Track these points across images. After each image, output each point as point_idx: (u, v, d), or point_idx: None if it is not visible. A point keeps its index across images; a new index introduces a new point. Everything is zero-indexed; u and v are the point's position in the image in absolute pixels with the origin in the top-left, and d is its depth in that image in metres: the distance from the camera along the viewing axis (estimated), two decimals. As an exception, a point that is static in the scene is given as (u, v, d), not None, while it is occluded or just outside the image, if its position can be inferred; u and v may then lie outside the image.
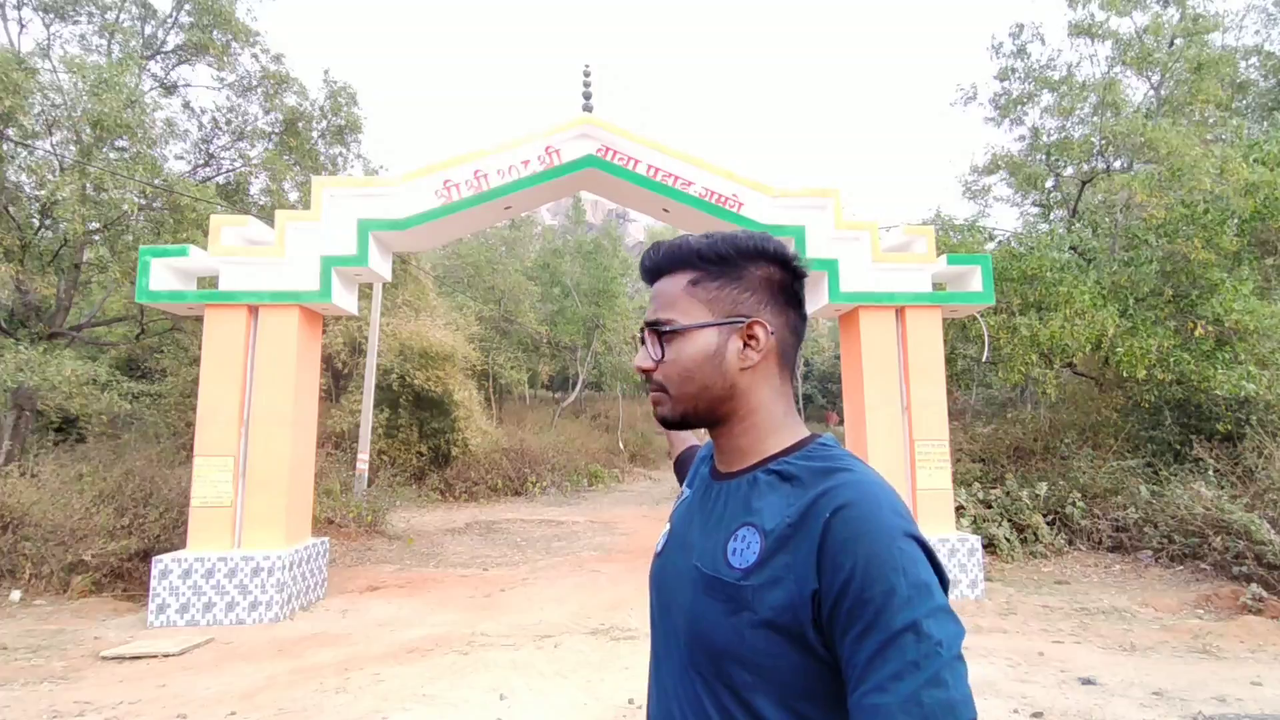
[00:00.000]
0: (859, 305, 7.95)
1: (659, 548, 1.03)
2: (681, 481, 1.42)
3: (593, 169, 8.11)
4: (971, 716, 0.70)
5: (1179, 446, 9.52)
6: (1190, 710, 4.30)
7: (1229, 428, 8.89)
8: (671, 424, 0.97)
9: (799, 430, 0.95)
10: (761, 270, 0.94)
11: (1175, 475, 8.85)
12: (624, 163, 8.08)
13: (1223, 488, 8.11)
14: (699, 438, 1.55)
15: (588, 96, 8.30)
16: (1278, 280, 10.20)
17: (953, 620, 0.74)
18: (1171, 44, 9.72)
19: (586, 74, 8.43)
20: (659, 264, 0.97)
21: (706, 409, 0.94)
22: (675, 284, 0.95)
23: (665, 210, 8.58)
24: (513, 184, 7.95)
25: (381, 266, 8.11)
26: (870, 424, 7.79)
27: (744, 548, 0.85)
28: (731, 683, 0.82)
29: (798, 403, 35.55)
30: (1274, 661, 5.31)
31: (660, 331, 0.93)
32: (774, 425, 0.94)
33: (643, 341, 0.98)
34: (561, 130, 8.03)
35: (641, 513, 15.16)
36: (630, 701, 4.49)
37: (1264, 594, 6.57)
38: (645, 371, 0.96)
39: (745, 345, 0.92)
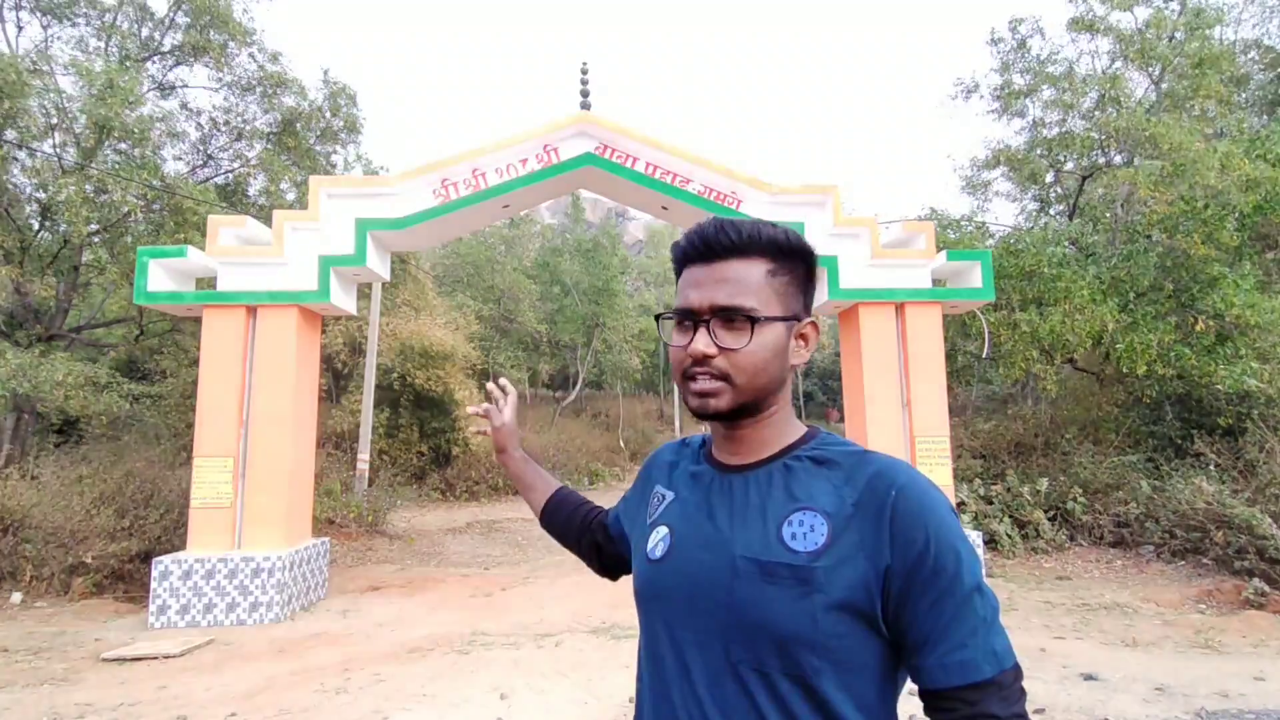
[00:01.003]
0: (858, 302, 7.93)
1: (658, 554, 0.97)
2: (556, 535, 1.41)
3: (591, 167, 8.09)
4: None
5: (1180, 441, 9.51)
6: (1192, 705, 4.29)
7: (1230, 422, 8.87)
8: (721, 416, 0.92)
9: (800, 424, 0.98)
10: (806, 266, 0.96)
11: (1176, 470, 8.84)
12: (622, 160, 8.06)
13: (1224, 482, 8.09)
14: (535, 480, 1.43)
15: (585, 94, 8.28)
16: (1278, 275, 10.18)
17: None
18: (1171, 38, 9.69)
19: (584, 71, 8.41)
20: (739, 244, 0.90)
21: (760, 401, 0.93)
22: (753, 270, 0.91)
23: (664, 208, 8.57)
24: (511, 183, 7.93)
25: (380, 266, 8.10)
26: (870, 420, 7.78)
27: (806, 531, 0.85)
28: (798, 670, 0.82)
29: (809, 401, 35.63)
30: (1276, 656, 5.30)
31: (737, 318, 0.89)
32: (791, 417, 0.98)
33: (684, 324, 0.93)
34: (559, 128, 8.01)
35: (642, 511, 15.14)
36: (631, 700, 4.48)
37: (1266, 589, 6.56)
38: (702, 358, 0.90)
39: (799, 342, 0.95)
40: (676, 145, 8.10)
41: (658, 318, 1.00)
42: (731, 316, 0.89)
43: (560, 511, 1.39)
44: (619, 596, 7.58)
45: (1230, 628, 5.97)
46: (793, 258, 0.93)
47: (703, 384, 0.90)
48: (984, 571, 0.86)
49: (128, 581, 7.68)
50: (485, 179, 7.87)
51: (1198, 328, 8.31)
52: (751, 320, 0.89)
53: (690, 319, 0.92)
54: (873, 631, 0.83)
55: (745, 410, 0.92)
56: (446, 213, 7.81)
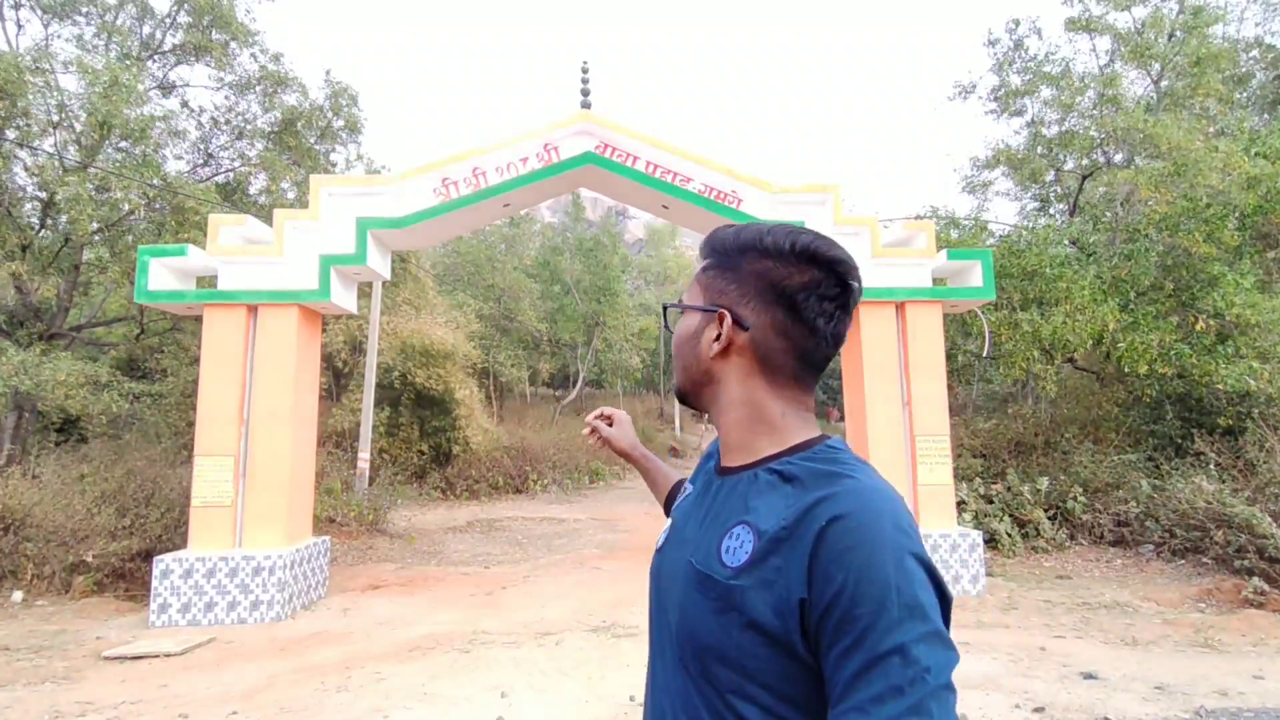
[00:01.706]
0: (859, 301, 7.92)
1: (660, 543, 1.02)
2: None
3: (592, 166, 8.09)
4: None
5: (1180, 440, 9.51)
6: (1192, 704, 4.30)
7: (1230, 421, 8.87)
8: (677, 395, 1.02)
9: (804, 432, 0.92)
10: (754, 264, 0.92)
11: (1177, 469, 8.84)
12: (623, 159, 8.06)
13: (1224, 481, 8.09)
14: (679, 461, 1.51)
15: (586, 93, 8.28)
16: (1279, 274, 10.17)
17: (945, 646, 0.71)
18: (1171, 37, 9.68)
19: (585, 70, 8.40)
20: (702, 249, 1.00)
21: (692, 388, 0.99)
22: (697, 268, 1.00)
23: (665, 207, 8.57)
24: (511, 181, 7.93)
25: (381, 265, 8.10)
26: (871, 420, 7.78)
27: (737, 545, 0.83)
28: (717, 682, 0.81)
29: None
30: (1276, 655, 5.30)
31: (670, 307, 1.02)
32: (768, 424, 0.91)
33: (665, 314, 1.07)
34: (560, 127, 8.01)
35: (643, 510, 15.16)
36: (631, 699, 4.49)
37: (1266, 587, 6.56)
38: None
39: (716, 335, 0.94)
40: (677, 144, 8.10)
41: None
42: (675, 308, 1.02)
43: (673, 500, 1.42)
44: (620, 595, 7.59)
45: (1230, 626, 5.98)
46: (724, 254, 0.96)
47: None
48: (935, 628, 0.71)
49: (128, 580, 7.69)
50: (486, 178, 7.87)
51: (1198, 327, 8.31)
52: (672, 308, 1.01)
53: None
54: (796, 663, 0.76)
55: (682, 395, 1.01)
56: (447, 212, 7.81)
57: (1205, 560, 7.82)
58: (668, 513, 1.36)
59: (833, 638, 0.72)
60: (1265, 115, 11.49)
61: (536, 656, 5.47)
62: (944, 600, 0.76)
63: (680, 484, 1.44)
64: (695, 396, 0.99)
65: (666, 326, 1.03)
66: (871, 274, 7.95)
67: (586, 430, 1.61)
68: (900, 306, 7.97)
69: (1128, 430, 10.17)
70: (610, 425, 1.60)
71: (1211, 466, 8.44)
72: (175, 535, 7.90)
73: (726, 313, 0.92)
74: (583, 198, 25.43)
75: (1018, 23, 10.84)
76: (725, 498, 0.91)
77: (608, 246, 24.07)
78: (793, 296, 0.90)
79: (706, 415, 1.00)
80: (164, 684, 4.85)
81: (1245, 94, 12.34)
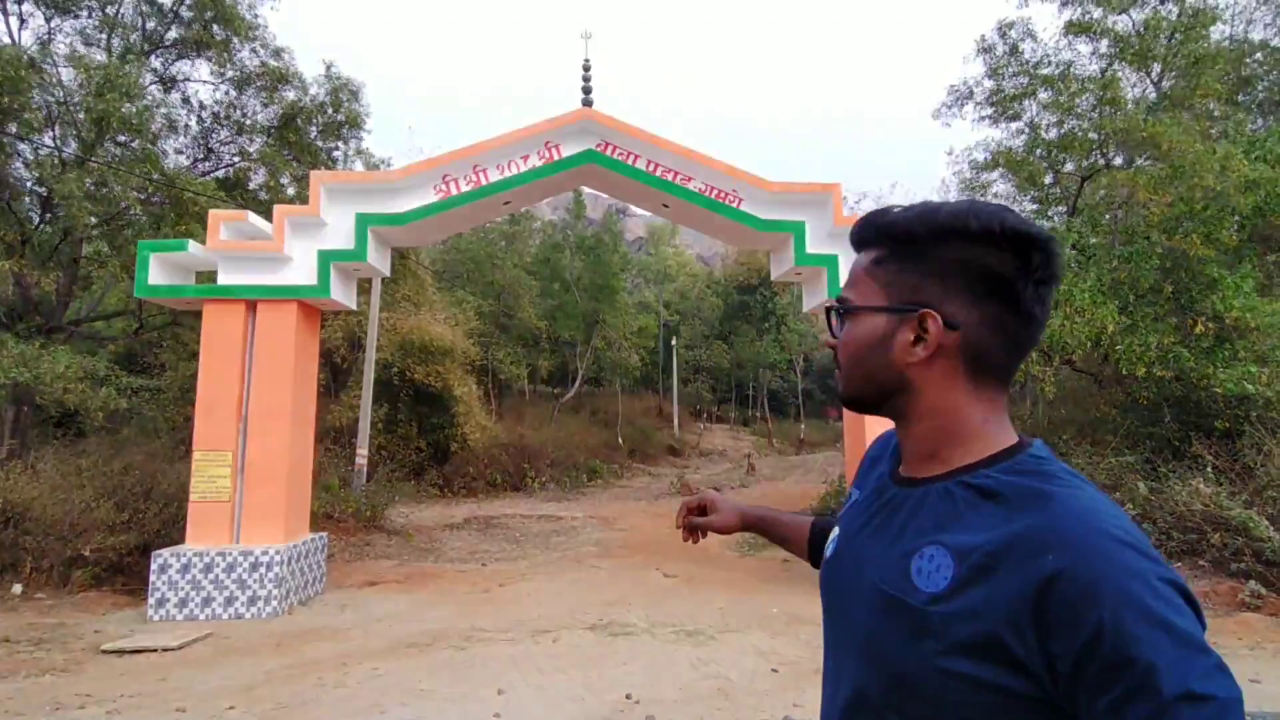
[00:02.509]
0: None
1: (829, 553, 0.95)
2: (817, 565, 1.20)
3: (592, 164, 8.10)
4: None
5: (1178, 443, 9.51)
6: (1187, 706, 4.30)
7: (1228, 424, 8.86)
8: (845, 403, 0.91)
9: (1005, 438, 0.82)
10: (956, 253, 0.80)
11: (1174, 472, 8.83)
12: (624, 158, 8.07)
13: (1221, 485, 8.09)
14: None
15: (587, 91, 8.28)
16: (1279, 277, 10.17)
17: (1229, 678, 0.64)
18: (1171, 38, 9.69)
19: (586, 69, 8.40)
20: (859, 236, 0.89)
21: (875, 398, 0.87)
22: (862, 260, 0.88)
23: (665, 205, 8.57)
24: (512, 179, 7.93)
25: (380, 261, 8.11)
26: (869, 420, 7.79)
27: (932, 569, 0.75)
28: (907, 712, 0.75)
29: (808, 400, 35.63)
30: (1273, 658, 5.32)
31: (834, 309, 0.89)
32: (968, 431, 0.82)
33: (829, 316, 0.92)
34: (561, 125, 8.01)
35: (640, 509, 15.18)
36: (628, 697, 4.50)
37: (1263, 591, 6.58)
38: (831, 346, 0.91)
39: (916, 338, 0.81)
40: (678, 143, 8.10)
41: (828, 314, 0.98)
42: (837, 310, 0.89)
43: (817, 534, 1.25)
44: (617, 594, 7.60)
45: (1226, 630, 5.99)
46: (910, 242, 0.83)
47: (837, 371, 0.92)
48: (1215, 660, 0.64)
49: (126, 574, 7.69)
50: (486, 175, 7.87)
51: (1197, 330, 8.32)
52: (844, 311, 0.88)
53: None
54: (1005, 695, 0.69)
55: (858, 403, 0.89)
56: (447, 209, 7.82)
57: (1202, 563, 7.82)
58: (815, 563, 1.19)
59: (1098, 686, 0.63)
60: (1269, 118, 11.50)
61: (534, 654, 5.48)
62: (1199, 618, 0.66)
63: (818, 528, 1.27)
64: (878, 404, 0.87)
65: (832, 332, 0.89)
66: (871, 274, 7.95)
67: (682, 533, 1.38)
68: (900, 307, 7.97)
69: (1125, 432, 10.17)
70: (706, 513, 1.34)
71: (1209, 469, 8.44)
72: (173, 530, 7.90)
73: (934, 314, 0.80)
74: (584, 195, 25.42)
75: (1011, 25, 10.84)
76: (910, 511, 0.82)
77: (608, 245, 24.07)
78: (1012, 285, 0.79)
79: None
80: (162, 678, 4.85)
81: (1249, 97, 12.34)
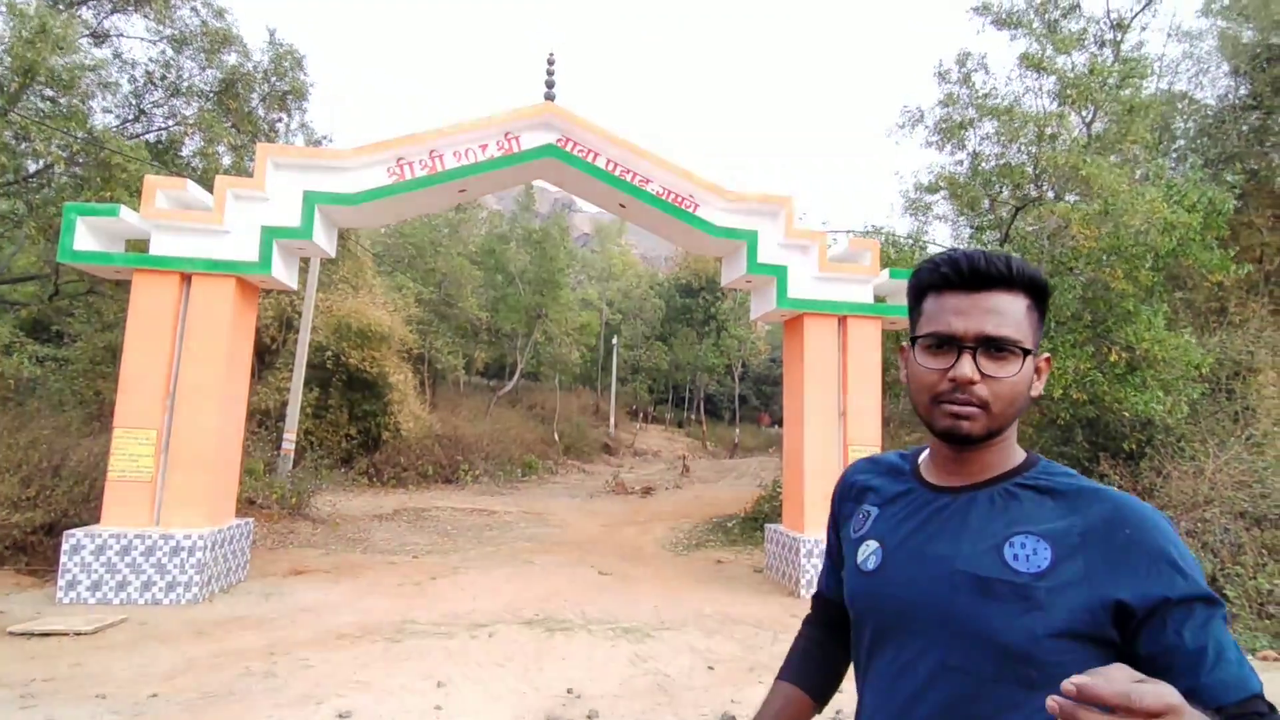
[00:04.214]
0: (804, 313, 8.16)
1: (871, 566, 1.03)
2: (828, 680, 1.21)
3: (552, 159, 8.06)
4: None
5: (1087, 462, 10.13)
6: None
7: (1133, 447, 9.51)
8: (971, 440, 0.95)
9: (1020, 451, 1.01)
10: (1045, 308, 1.00)
11: (1083, 490, 9.41)
12: (584, 155, 8.06)
13: (1124, 503, 8.68)
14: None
15: (550, 85, 8.23)
16: (1185, 313, 10.96)
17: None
18: (1104, 84, 10.32)
19: (550, 62, 8.36)
20: (1007, 277, 0.95)
21: (1004, 428, 0.96)
22: (1016, 305, 0.95)
23: (622, 205, 8.61)
24: (469, 167, 7.82)
25: (326, 241, 7.87)
26: (808, 427, 8.02)
27: (1029, 554, 0.89)
28: (1015, 679, 0.87)
29: (743, 405, 36.21)
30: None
31: (1006, 350, 0.93)
32: (1014, 443, 1.01)
33: (941, 349, 0.96)
34: (522, 117, 7.95)
35: (575, 505, 15.16)
36: (569, 691, 4.52)
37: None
38: (966, 383, 0.93)
39: (1036, 375, 0.97)
40: (639, 144, 8.15)
41: (912, 340, 1.01)
42: (1001, 347, 0.93)
43: (806, 679, 1.20)
44: (551, 590, 7.59)
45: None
46: (1043, 297, 0.98)
47: (961, 408, 0.94)
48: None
49: (30, 554, 7.23)
50: (442, 161, 7.74)
51: (1111, 357, 8.89)
52: (1024, 352, 0.94)
53: (952, 344, 0.94)
54: (1104, 649, 0.86)
55: (991, 435, 0.96)
56: (400, 192, 7.65)
57: (1103, 575, 8.37)
58: (820, 696, 1.19)
59: (1183, 618, 0.83)
60: (1184, 165, 12.36)
61: (470, 648, 5.43)
62: None
63: (784, 684, 1.20)
64: (1000, 433, 0.97)
65: (995, 367, 0.94)
66: (817, 287, 8.20)
67: None
68: (843, 320, 8.24)
69: (1040, 450, 10.77)
70: None
71: (1114, 489, 9.05)
72: (84, 509, 7.48)
73: (1050, 359, 0.99)
74: (533, 188, 25.17)
75: (968, 56, 11.35)
76: (976, 512, 0.96)
77: (555, 239, 23.90)
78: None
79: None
80: (76, 663, 4.60)
81: (1168, 145, 13.22)
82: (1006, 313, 0.94)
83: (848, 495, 1.16)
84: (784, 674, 1.22)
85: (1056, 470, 0.98)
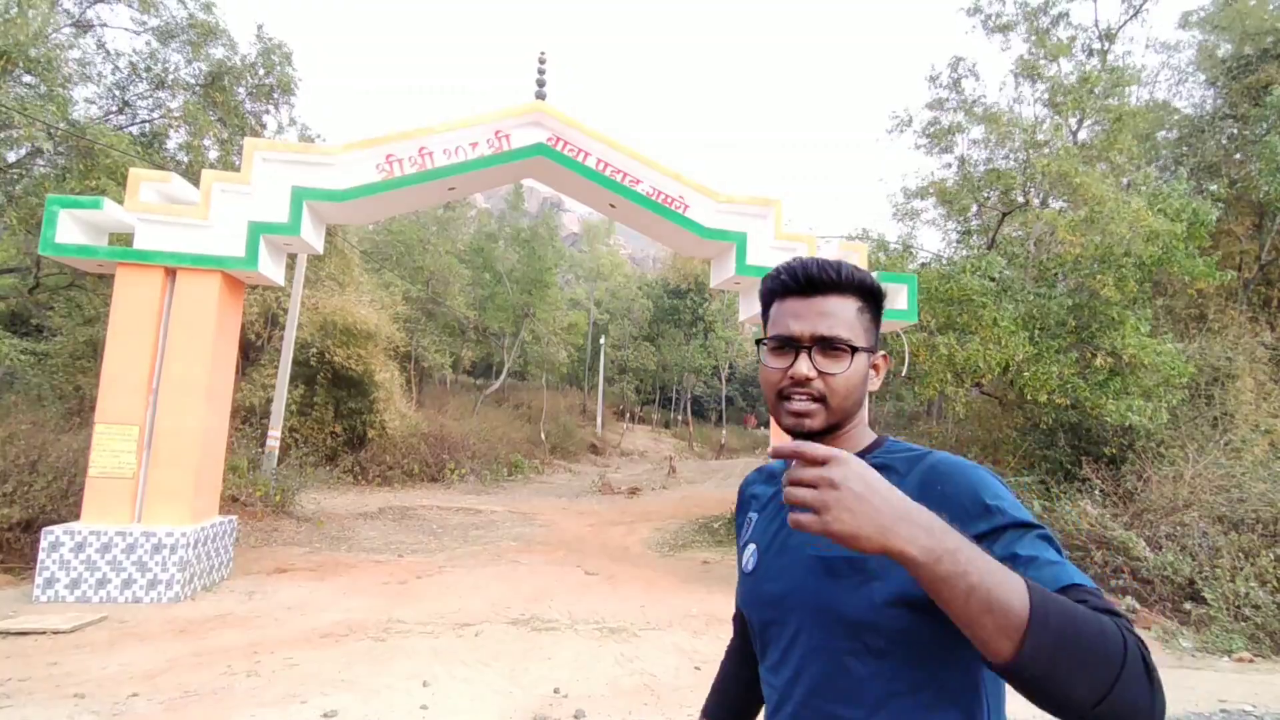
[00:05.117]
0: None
1: (750, 566, 1.11)
2: (738, 624, 1.34)
3: (542, 158, 8.04)
4: None
5: (1069, 466, 10.25)
6: None
7: (1115, 452, 9.63)
8: (814, 434, 1.02)
9: (870, 434, 1.09)
10: (880, 310, 1.08)
11: (1065, 493, 9.51)
12: (574, 154, 8.05)
13: (1106, 507, 8.78)
14: None
15: (541, 84, 8.21)
16: (1165, 319, 11.12)
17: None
18: (1092, 93, 10.45)
19: (542, 61, 8.34)
20: (837, 282, 1.03)
21: (844, 420, 1.04)
22: (847, 307, 1.03)
23: (611, 205, 8.60)
24: (459, 165, 7.79)
25: (314, 238, 7.80)
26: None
27: None
28: (867, 649, 0.92)
29: (729, 406, 36.35)
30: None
31: (838, 348, 1.01)
32: (864, 430, 1.09)
33: (782, 349, 1.03)
34: (513, 115, 7.93)
35: (561, 505, 15.13)
36: (556, 691, 4.51)
37: (1138, 606, 7.18)
38: (803, 380, 1.01)
39: (873, 371, 1.07)
40: (629, 145, 8.15)
41: (758, 342, 1.09)
42: (833, 345, 1.01)
43: (722, 709, 1.32)
44: (539, 589, 7.57)
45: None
46: (875, 299, 1.06)
47: (799, 404, 1.02)
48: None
49: (6, 551, 7.12)
50: (432, 159, 7.71)
51: (1096, 363, 9.00)
52: (851, 349, 1.01)
53: (790, 345, 1.02)
54: (941, 623, 0.84)
55: (834, 428, 1.04)
56: (389, 189, 7.60)
57: (1084, 578, 8.46)
58: (744, 714, 1.31)
59: (989, 545, 0.84)
60: (1168, 174, 12.55)
61: (456, 647, 5.40)
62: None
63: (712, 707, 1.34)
64: (841, 425, 1.04)
65: (829, 365, 1.02)
66: (806, 289, 8.21)
67: None
68: (831, 323, 8.26)
69: (1023, 454, 10.88)
70: None
71: (1096, 492, 9.14)
72: (62, 506, 7.37)
73: (887, 355, 1.08)
74: (522, 187, 25.10)
75: (960, 60, 11.47)
76: None
77: (544, 238, 23.84)
78: (880, 329, 1.10)
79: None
80: (54, 662, 4.52)
81: (1154, 152, 13.41)
82: (838, 314, 1.02)
83: (741, 505, 1.25)
84: (706, 709, 1.34)
85: (899, 448, 1.04)
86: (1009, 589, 0.71)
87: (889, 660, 0.91)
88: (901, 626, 0.90)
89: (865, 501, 0.74)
